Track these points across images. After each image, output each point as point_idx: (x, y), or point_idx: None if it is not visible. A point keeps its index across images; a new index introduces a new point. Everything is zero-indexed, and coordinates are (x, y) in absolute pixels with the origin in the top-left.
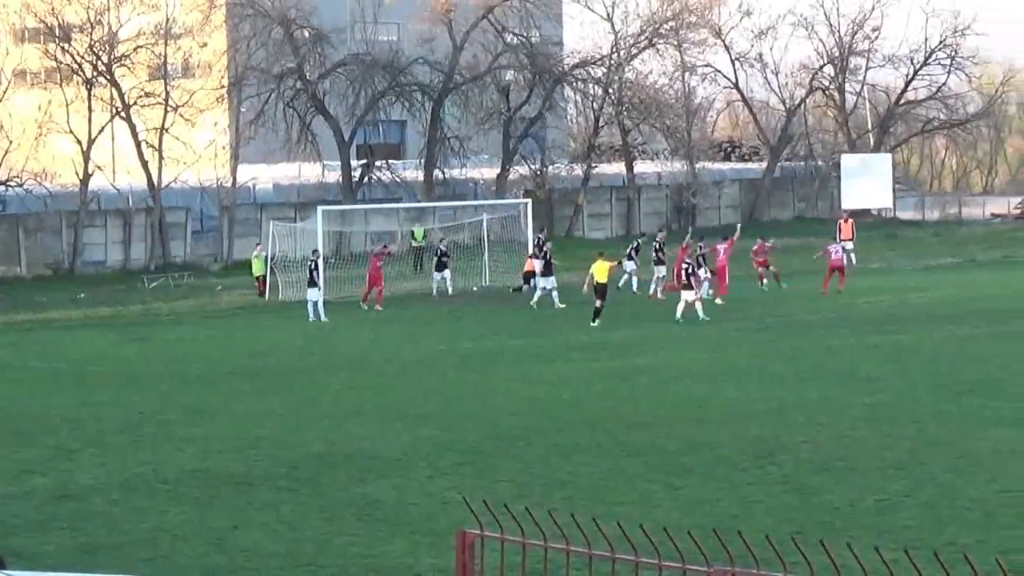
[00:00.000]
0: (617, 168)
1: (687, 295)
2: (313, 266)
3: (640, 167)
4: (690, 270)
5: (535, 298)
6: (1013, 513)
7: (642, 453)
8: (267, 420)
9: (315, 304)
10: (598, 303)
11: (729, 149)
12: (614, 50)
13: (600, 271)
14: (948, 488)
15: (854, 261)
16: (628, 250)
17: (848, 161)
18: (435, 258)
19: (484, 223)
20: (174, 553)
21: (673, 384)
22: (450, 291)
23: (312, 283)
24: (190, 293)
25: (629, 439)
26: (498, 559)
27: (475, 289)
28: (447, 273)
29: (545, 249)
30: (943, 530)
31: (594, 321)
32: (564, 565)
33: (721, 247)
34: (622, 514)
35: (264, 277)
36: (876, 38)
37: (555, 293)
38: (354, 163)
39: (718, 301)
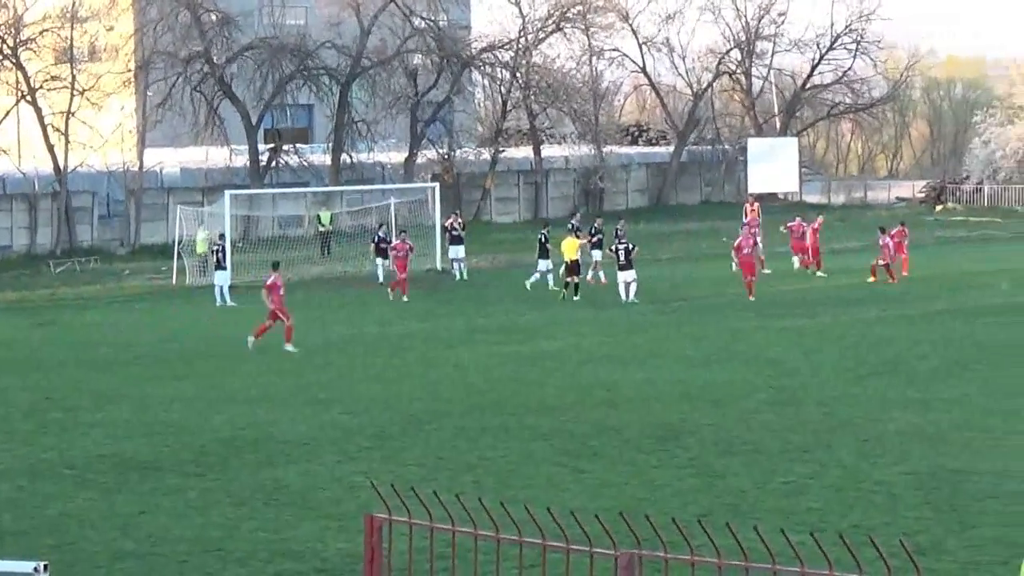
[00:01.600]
0: (525, 152)
1: (626, 276)
2: (220, 250)
3: (548, 151)
4: (629, 247)
5: (531, 280)
6: (918, 495)
7: (550, 437)
8: (175, 405)
9: (222, 288)
10: (572, 279)
11: (636, 133)
12: (522, 34)
13: (569, 248)
14: (854, 471)
15: (760, 246)
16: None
17: (755, 145)
18: (373, 244)
19: (392, 207)
20: (81, 539)
21: (580, 368)
22: (381, 278)
23: (219, 267)
24: (97, 278)
25: (537, 423)
26: (406, 543)
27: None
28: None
29: (544, 233)
30: (849, 513)
31: (575, 295)
32: (472, 549)
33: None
34: (530, 498)
35: (205, 256)
36: (782, 23)
37: (550, 276)
38: (261, 147)
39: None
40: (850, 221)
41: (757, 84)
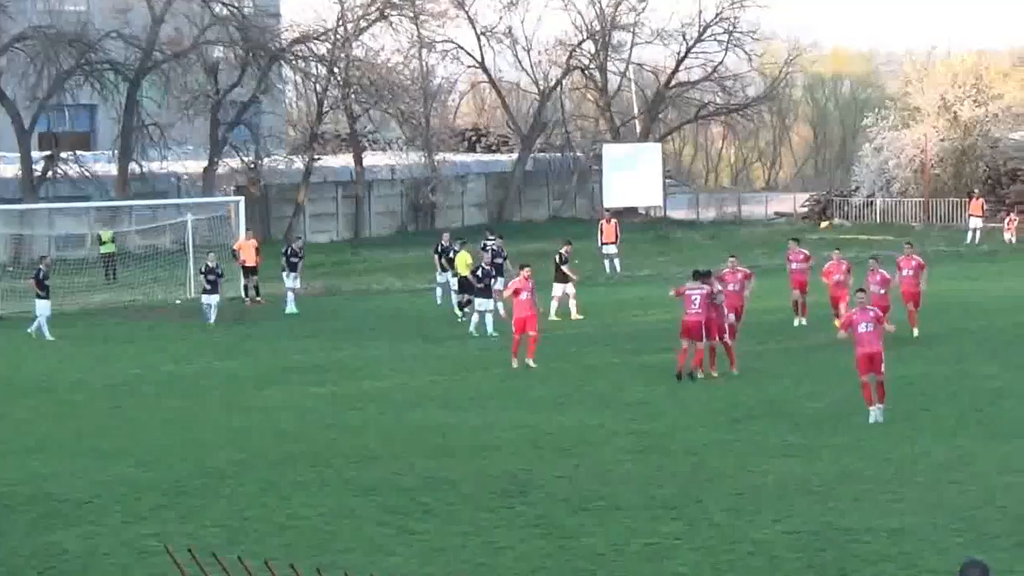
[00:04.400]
0: (344, 160)
1: (483, 305)
2: (42, 274)
3: (371, 159)
4: (492, 276)
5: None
6: (801, 557)
7: (373, 492)
8: None
9: (46, 319)
10: (464, 297)
11: (474, 138)
12: (340, 23)
13: (462, 263)
14: (727, 529)
15: (618, 269)
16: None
17: (611, 152)
18: (284, 257)
19: (189, 225)
20: None
21: (408, 411)
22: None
23: (42, 295)
24: None
25: (358, 476)
26: None
27: (178, 302)
28: (297, 282)
29: (564, 253)
30: None
31: (461, 313)
32: None
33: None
34: (350, 563)
35: None
36: (643, 10)
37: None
38: (36, 155)
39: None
40: (721, 240)
41: (614, 81)
